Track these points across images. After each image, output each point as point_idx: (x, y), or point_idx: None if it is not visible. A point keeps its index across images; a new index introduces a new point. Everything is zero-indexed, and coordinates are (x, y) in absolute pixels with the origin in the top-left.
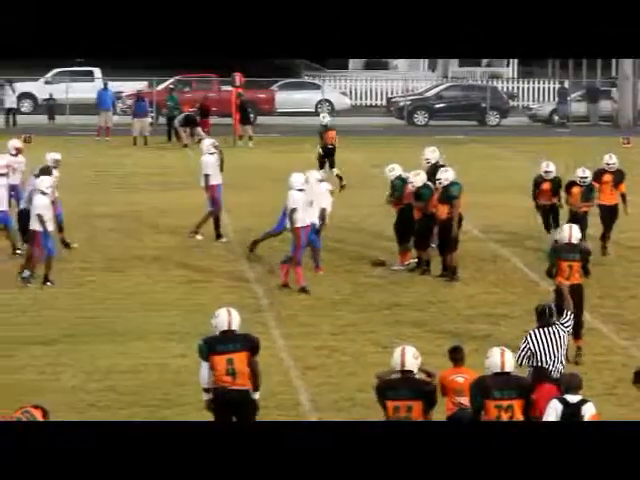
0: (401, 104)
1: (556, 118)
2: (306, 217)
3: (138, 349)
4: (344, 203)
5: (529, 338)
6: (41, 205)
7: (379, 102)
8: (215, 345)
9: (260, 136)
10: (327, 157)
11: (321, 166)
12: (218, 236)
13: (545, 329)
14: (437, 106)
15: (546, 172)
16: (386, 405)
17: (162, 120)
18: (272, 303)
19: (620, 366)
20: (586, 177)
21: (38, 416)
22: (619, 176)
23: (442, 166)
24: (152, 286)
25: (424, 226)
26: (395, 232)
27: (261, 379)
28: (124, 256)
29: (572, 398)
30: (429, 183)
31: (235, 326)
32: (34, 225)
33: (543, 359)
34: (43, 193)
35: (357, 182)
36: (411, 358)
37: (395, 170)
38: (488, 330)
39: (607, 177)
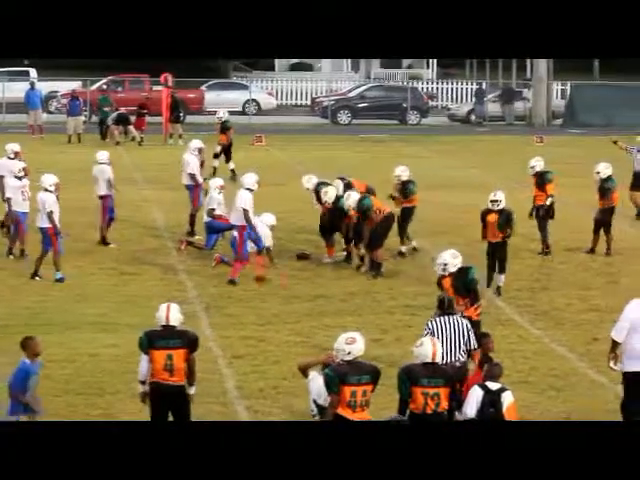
0: (325, 104)
1: (473, 117)
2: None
3: (71, 339)
4: (271, 199)
5: (429, 326)
6: (50, 202)
7: (304, 102)
8: (155, 340)
9: (189, 134)
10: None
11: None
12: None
13: (444, 318)
14: (360, 106)
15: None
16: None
17: (95, 119)
18: (200, 295)
19: (533, 354)
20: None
21: None
22: (504, 217)
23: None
24: (84, 278)
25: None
26: (320, 230)
27: (196, 375)
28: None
29: (493, 385)
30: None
31: (174, 322)
32: (44, 223)
33: (444, 346)
34: (48, 190)
35: (283, 179)
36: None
37: (313, 179)
38: (408, 321)
39: (491, 217)
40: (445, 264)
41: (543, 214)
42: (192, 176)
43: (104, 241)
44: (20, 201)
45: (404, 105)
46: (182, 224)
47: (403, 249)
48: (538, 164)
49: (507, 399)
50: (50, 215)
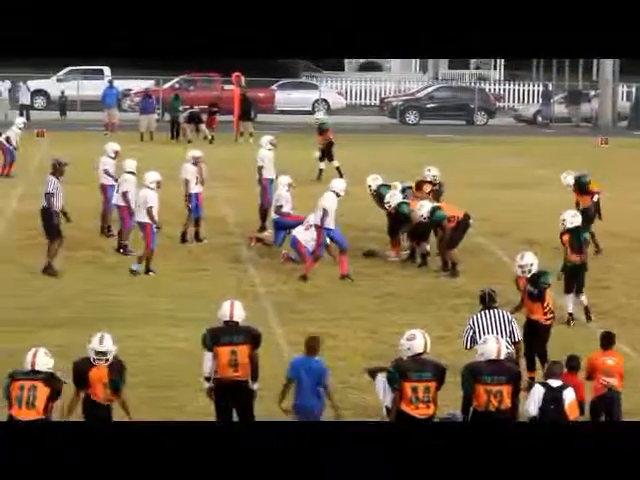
0: (394, 104)
1: (540, 119)
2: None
3: (144, 332)
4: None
5: (471, 321)
6: (152, 199)
7: (373, 102)
8: (219, 336)
9: (260, 132)
10: (326, 152)
11: (322, 159)
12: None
13: (486, 312)
14: (428, 106)
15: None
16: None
17: (168, 117)
18: (269, 291)
19: None
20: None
21: None
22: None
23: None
24: (157, 274)
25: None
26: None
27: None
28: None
29: (554, 383)
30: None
31: (238, 318)
32: (144, 218)
33: None
34: (149, 187)
35: (352, 178)
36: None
37: (378, 180)
38: None
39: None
40: (531, 264)
41: (591, 215)
42: (261, 169)
43: (197, 237)
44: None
45: (471, 106)
46: (251, 221)
47: (427, 247)
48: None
49: (569, 396)
50: (150, 211)
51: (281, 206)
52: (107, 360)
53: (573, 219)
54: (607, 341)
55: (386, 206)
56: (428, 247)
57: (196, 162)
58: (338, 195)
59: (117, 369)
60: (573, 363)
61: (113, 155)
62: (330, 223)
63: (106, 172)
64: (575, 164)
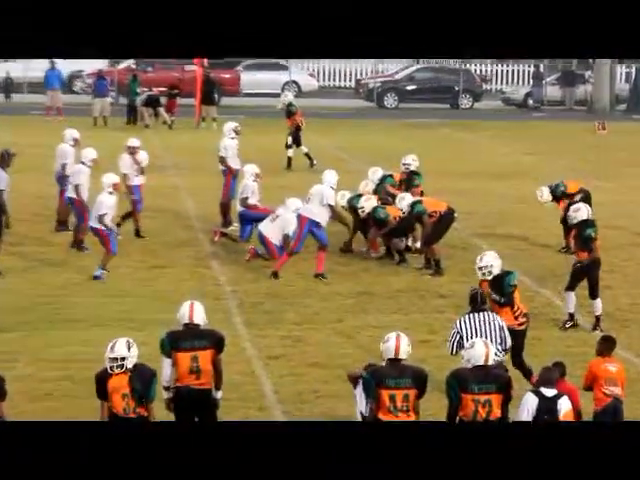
0: (370, 86)
1: (530, 102)
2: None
3: (97, 336)
4: (309, 187)
5: (458, 324)
6: (107, 204)
7: (347, 84)
8: (179, 341)
9: (224, 117)
10: (293, 137)
11: (290, 147)
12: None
13: (475, 314)
14: (408, 88)
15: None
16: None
17: (123, 100)
18: (234, 290)
19: None
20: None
21: None
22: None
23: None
24: (110, 271)
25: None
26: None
27: (223, 378)
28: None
29: (548, 392)
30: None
31: (198, 320)
32: (97, 223)
33: None
34: (106, 191)
35: (322, 167)
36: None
37: (378, 172)
38: None
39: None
40: (491, 265)
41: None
42: (223, 160)
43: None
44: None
45: (456, 88)
46: (215, 213)
47: (403, 244)
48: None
49: (564, 406)
50: (102, 219)
51: (247, 198)
52: (124, 367)
53: (576, 213)
54: (608, 346)
55: (360, 212)
56: (405, 243)
57: (133, 152)
58: (333, 189)
59: (142, 377)
60: (559, 369)
61: (72, 143)
62: (324, 220)
63: (63, 166)
64: (570, 151)
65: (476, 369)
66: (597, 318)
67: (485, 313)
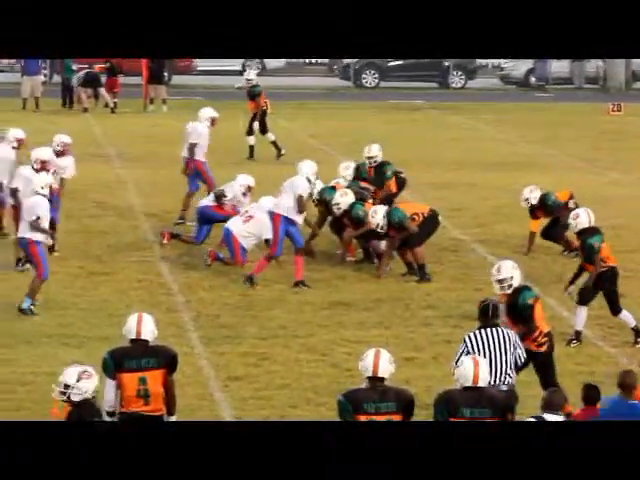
0: (346, 62)
1: (533, 80)
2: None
3: (25, 355)
4: (276, 180)
5: (467, 341)
6: (41, 207)
7: (319, 60)
8: (124, 360)
9: (175, 99)
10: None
11: (249, 133)
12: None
13: (487, 330)
14: (390, 64)
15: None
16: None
17: (58, 79)
18: (188, 300)
19: (605, 378)
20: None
21: None
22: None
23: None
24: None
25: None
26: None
27: (176, 402)
28: None
29: (551, 417)
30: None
31: (147, 335)
32: (26, 232)
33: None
34: (39, 193)
35: (291, 156)
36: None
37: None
38: (448, 335)
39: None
40: (511, 277)
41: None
42: (193, 148)
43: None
44: None
45: (445, 64)
46: (166, 211)
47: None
48: (533, 195)
49: None
50: (36, 224)
51: (225, 197)
52: (66, 396)
53: (576, 221)
54: (592, 395)
55: (335, 209)
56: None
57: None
58: (309, 181)
59: (83, 414)
60: (592, 393)
61: (16, 144)
62: (299, 216)
63: None
64: (579, 138)
65: (467, 391)
66: (635, 331)
67: (497, 328)
